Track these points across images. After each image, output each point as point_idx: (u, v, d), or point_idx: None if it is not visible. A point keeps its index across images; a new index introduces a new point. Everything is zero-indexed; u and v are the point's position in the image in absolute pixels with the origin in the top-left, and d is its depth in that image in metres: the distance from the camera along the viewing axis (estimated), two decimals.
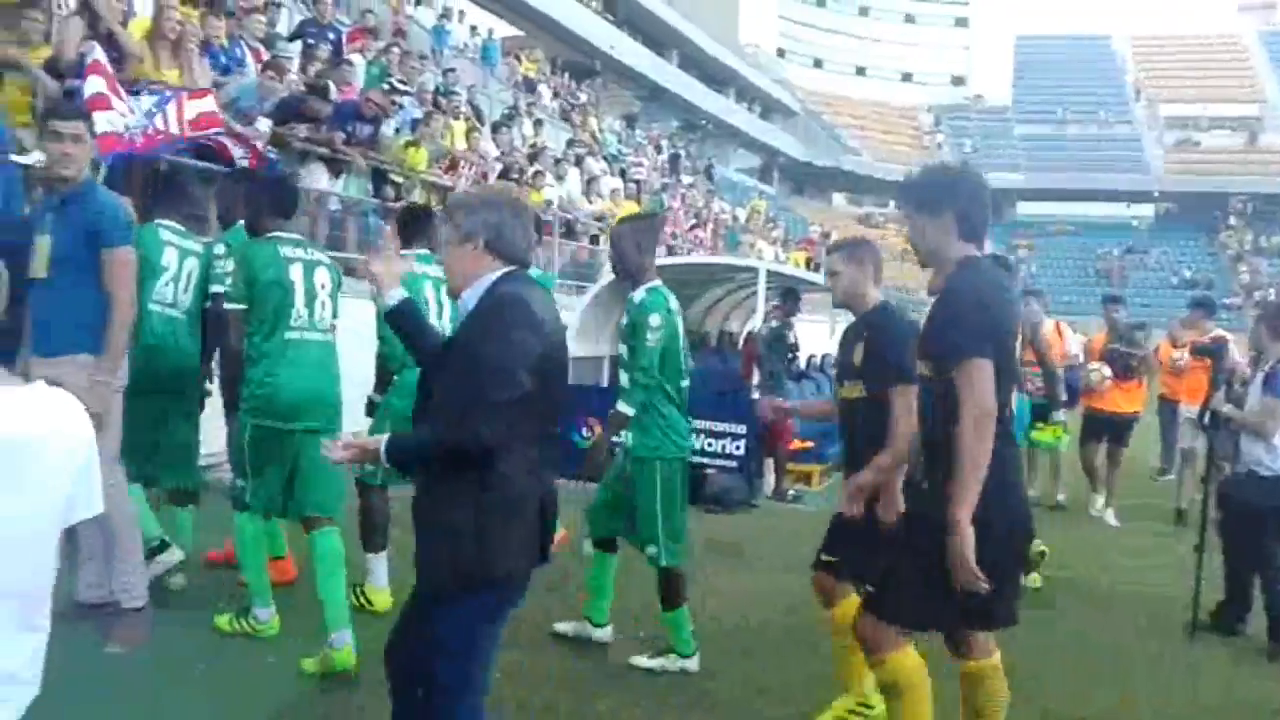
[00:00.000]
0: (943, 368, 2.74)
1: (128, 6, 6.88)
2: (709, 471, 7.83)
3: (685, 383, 4.12)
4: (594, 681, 3.97)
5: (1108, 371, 7.85)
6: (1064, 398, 7.07)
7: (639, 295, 4.03)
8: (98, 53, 6.26)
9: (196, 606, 4.31)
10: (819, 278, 13.74)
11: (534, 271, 3.75)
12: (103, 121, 5.61)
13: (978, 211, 2.91)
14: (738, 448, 7.99)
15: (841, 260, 3.68)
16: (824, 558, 3.69)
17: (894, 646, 2.87)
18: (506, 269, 2.50)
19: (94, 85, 6.05)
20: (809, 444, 9.42)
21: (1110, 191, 49.00)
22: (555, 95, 22.90)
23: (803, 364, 10.82)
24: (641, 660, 4.13)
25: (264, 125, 7.67)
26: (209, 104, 6.68)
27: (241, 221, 4.44)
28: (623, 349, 4.09)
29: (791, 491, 8.28)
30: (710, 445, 8.03)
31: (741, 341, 12.12)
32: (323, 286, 4.03)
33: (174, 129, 6.26)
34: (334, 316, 4.12)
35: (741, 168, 42.57)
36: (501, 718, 3.41)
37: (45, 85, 6.18)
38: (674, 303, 4.09)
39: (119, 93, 6.05)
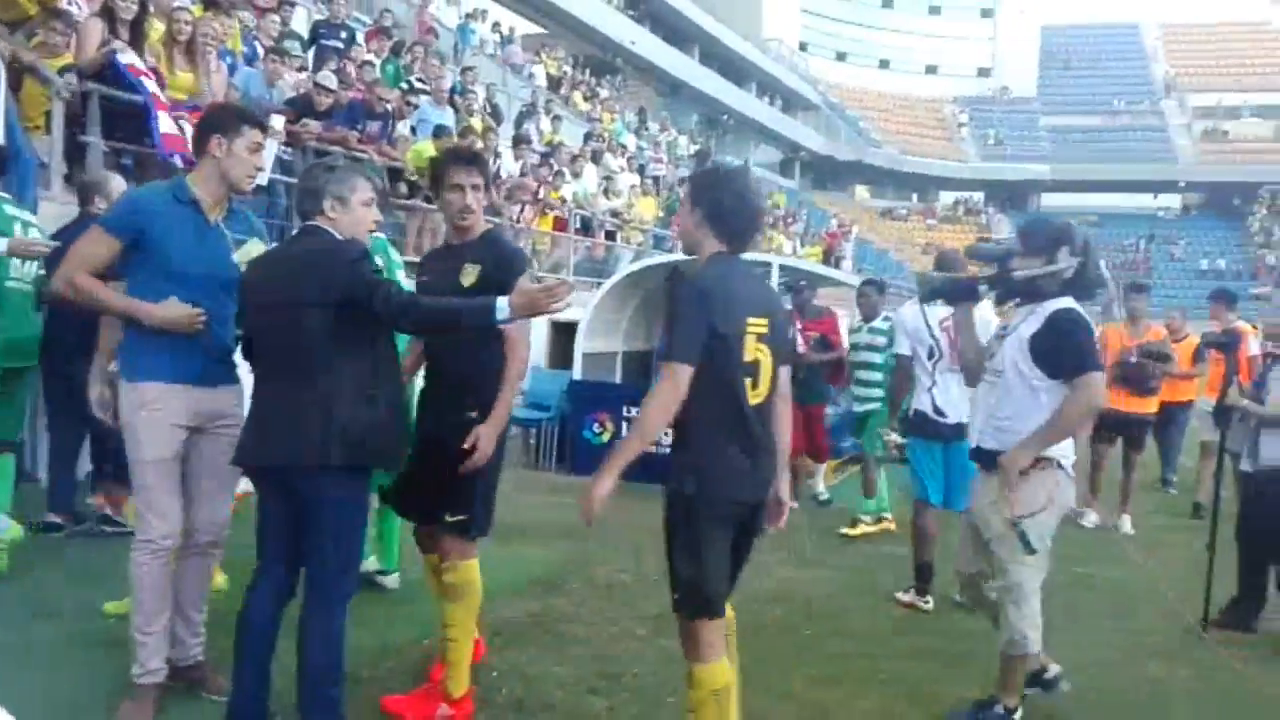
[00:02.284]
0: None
1: (139, 7, 6.90)
2: None
3: None
4: (589, 680, 3.98)
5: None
6: None
7: None
8: (151, 85, 6.45)
9: None
10: (839, 273, 13.68)
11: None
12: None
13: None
14: None
15: None
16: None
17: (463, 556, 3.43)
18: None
19: (166, 124, 6.31)
20: None
21: (1137, 182, 48.35)
22: (574, 91, 22.90)
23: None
24: None
25: (278, 122, 7.73)
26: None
27: None
28: None
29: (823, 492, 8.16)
30: None
31: None
32: None
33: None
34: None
35: (761, 161, 42.40)
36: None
37: (58, 87, 6.25)
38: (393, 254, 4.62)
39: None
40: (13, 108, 5.96)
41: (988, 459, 3.61)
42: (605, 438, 8.34)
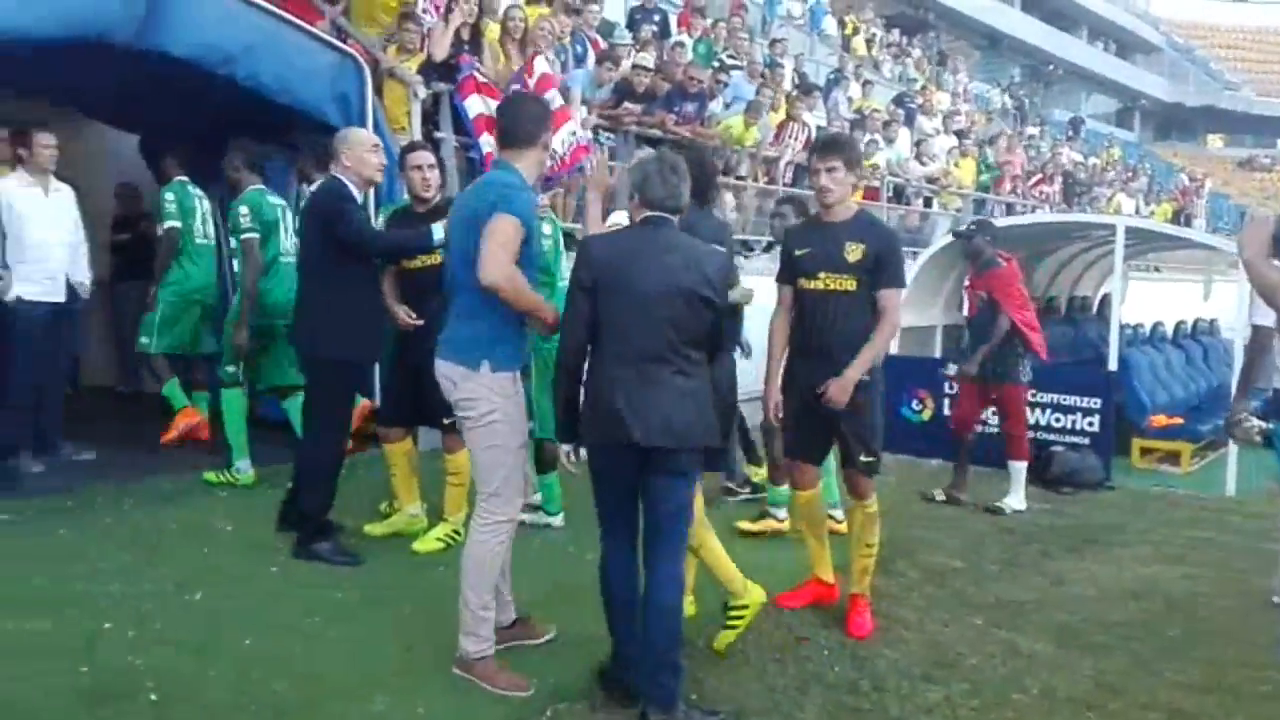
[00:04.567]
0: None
1: (479, 9, 7.45)
2: (1056, 449, 7.25)
3: None
4: (922, 667, 3.82)
5: None
6: None
7: None
8: (472, 67, 6.97)
9: None
10: (1193, 233, 12.19)
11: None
12: (486, 144, 6.67)
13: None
14: (1090, 423, 7.34)
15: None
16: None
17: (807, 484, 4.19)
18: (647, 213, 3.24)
19: (475, 106, 6.87)
20: (1178, 419, 8.47)
21: None
22: (884, 53, 22.07)
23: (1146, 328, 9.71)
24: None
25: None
26: (554, 99, 7.09)
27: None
28: None
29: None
30: (1058, 420, 7.44)
31: (1096, 306, 11.08)
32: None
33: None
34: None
35: (1095, 113, 38.76)
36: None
37: (414, 86, 6.86)
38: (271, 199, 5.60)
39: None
40: (379, 109, 6.64)
41: None
42: (925, 415, 7.98)
